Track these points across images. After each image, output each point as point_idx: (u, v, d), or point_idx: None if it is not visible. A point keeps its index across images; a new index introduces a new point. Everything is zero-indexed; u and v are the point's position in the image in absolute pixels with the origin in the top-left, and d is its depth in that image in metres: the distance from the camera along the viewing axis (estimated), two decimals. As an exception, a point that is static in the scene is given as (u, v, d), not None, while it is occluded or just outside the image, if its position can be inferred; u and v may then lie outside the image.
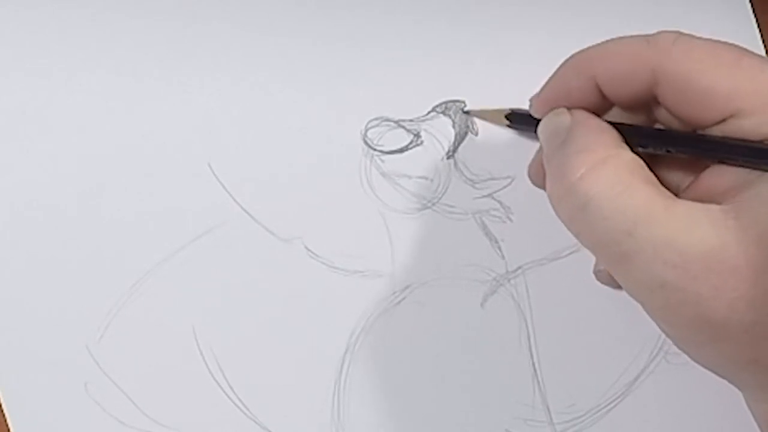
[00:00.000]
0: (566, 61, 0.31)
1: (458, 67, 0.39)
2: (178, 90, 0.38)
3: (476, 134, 0.38)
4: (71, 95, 0.38)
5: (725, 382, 0.30)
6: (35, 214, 0.37)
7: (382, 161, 0.38)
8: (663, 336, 0.36)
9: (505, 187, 0.38)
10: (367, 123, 0.38)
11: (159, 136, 0.38)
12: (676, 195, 0.28)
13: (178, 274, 0.37)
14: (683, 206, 0.26)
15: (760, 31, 0.45)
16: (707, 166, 0.29)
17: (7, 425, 0.35)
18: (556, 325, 0.38)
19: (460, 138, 0.38)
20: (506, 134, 0.38)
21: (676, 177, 0.31)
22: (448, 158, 0.38)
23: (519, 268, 0.38)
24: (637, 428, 0.38)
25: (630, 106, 0.31)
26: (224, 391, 0.36)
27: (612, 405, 0.38)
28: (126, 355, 0.36)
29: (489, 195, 0.38)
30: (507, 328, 0.38)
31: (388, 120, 0.38)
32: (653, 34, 0.29)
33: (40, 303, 0.36)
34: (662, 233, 0.26)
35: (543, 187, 0.34)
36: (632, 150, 0.29)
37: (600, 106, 0.31)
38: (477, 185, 0.38)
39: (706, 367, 0.29)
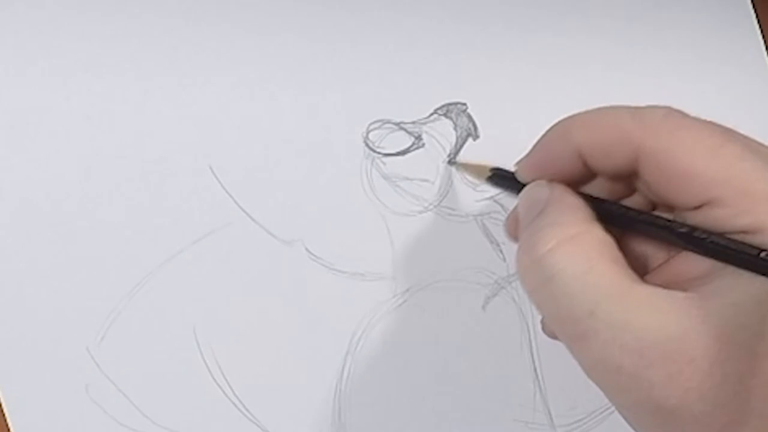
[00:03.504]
0: (552, 127, 0.31)
1: (460, 70, 0.39)
2: (179, 93, 0.38)
3: (478, 137, 0.38)
4: (71, 97, 0.37)
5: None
6: (36, 216, 0.36)
7: (384, 163, 0.38)
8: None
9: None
10: (369, 125, 0.38)
11: (160, 139, 0.38)
12: (646, 272, 0.29)
13: (179, 276, 0.37)
14: (647, 291, 0.26)
15: (761, 29, 0.45)
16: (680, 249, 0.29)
17: (8, 427, 0.35)
18: (557, 327, 0.38)
19: (461, 141, 0.38)
20: (508, 137, 0.38)
21: (648, 254, 0.31)
22: (450, 161, 0.38)
23: (520, 270, 0.38)
24: (638, 431, 0.38)
25: (612, 177, 0.30)
26: (225, 393, 0.36)
27: (612, 408, 0.38)
28: (127, 357, 0.36)
29: (490, 198, 0.38)
30: (508, 330, 0.38)
31: (389, 122, 0.38)
32: (642, 108, 0.29)
33: (41, 305, 0.36)
34: (622, 316, 0.26)
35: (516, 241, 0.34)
36: (606, 225, 0.29)
37: (583, 175, 0.30)
38: (478, 188, 0.38)
39: None
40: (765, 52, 0.44)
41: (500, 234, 0.38)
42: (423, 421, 0.37)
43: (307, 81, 0.38)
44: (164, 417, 0.36)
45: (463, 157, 0.38)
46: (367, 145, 0.38)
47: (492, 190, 0.38)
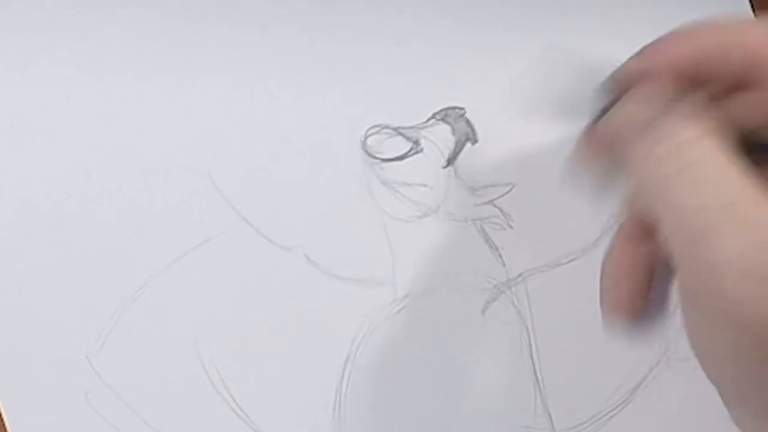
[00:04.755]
0: (672, 31, 0.31)
1: (457, 74, 0.39)
2: (177, 98, 0.38)
3: (476, 141, 0.38)
4: (70, 98, 0.37)
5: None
6: (34, 222, 0.36)
7: (382, 169, 0.38)
8: (666, 341, 0.36)
9: (505, 194, 0.38)
10: (367, 130, 0.38)
11: (158, 145, 0.37)
12: None
13: (178, 283, 0.37)
14: None
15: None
16: None
17: (7, 436, 0.35)
18: (558, 331, 0.38)
19: (460, 145, 0.38)
20: (506, 141, 0.38)
21: None
22: (448, 165, 0.38)
23: (520, 275, 0.38)
24: (639, 435, 0.38)
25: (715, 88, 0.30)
26: (225, 400, 0.36)
27: (614, 412, 0.38)
28: (127, 365, 0.36)
29: (489, 202, 0.38)
30: (508, 335, 0.38)
31: (387, 127, 0.38)
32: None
33: (40, 313, 0.36)
34: (762, 216, 0.25)
35: (590, 155, 0.33)
36: None
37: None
38: (477, 192, 0.38)
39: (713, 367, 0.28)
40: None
41: (499, 238, 0.38)
42: (424, 427, 0.37)
43: (305, 86, 0.38)
44: (164, 424, 0.36)
45: (463, 161, 0.38)
46: (365, 150, 0.38)
47: (491, 195, 0.38)
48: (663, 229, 0.27)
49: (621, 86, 0.31)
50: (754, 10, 0.45)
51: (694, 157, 0.26)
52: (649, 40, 0.40)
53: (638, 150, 0.28)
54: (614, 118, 0.31)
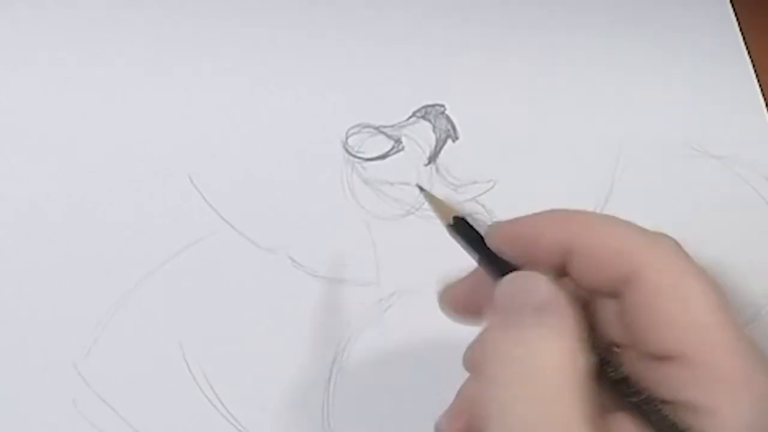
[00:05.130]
0: (549, 212, 0.29)
1: (438, 72, 0.39)
2: (158, 102, 0.38)
3: (457, 138, 0.38)
4: (53, 107, 0.38)
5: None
6: (19, 230, 0.36)
7: (364, 168, 0.38)
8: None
9: (487, 190, 0.38)
10: (348, 130, 0.38)
11: (139, 150, 0.38)
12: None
13: (163, 288, 0.37)
14: None
15: (741, 31, 0.45)
16: None
17: (-5, 444, 0.35)
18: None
19: (441, 143, 0.38)
20: (487, 138, 0.38)
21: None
22: (430, 163, 0.38)
23: (504, 271, 0.38)
24: None
25: (587, 288, 0.28)
26: (212, 404, 0.36)
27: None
28: (113, 371, 0.36)
29: (472, 199, 0.38)
30: (494, 331, 0.38)
31: (368, 126, 0.38)
32: (652, 233, 0.27)
33: (26, 321, 0.36)
34: None
35: (462, 315, 0.32)
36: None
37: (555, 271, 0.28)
38: (459, 189, 0.38)
39: None
40: (747, 55, 0.44)
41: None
42: (412, 425, 0.37)
43: (285, 87, 0.38)
44: (152, 429, 0.36)
45: (444, 159, 0.38)
46: (346, 150, 0.38)
47: (473, 191, 0.38)
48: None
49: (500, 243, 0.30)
50: (735, 12, 0.45)
51: (534, 370, 0.25)
52: (632, 40, 0.40)
53: (497, 335, 0.27)
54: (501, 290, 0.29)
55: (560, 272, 0.28)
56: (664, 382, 0.26)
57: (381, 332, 0.37)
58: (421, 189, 0.35)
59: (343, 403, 0.37)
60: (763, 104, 0.43)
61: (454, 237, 0.31)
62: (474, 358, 0.28)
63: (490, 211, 0.38)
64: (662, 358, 0.26)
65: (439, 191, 0.38)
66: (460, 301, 0.31)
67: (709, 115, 0.43)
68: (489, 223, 0.30)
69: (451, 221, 0.31)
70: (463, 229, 0.31)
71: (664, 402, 0.26)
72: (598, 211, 0.39)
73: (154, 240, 0.37)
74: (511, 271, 0.28)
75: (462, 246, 0.31)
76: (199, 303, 0.37)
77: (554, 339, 0.26)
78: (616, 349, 0.28)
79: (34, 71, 0.38)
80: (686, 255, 0.27)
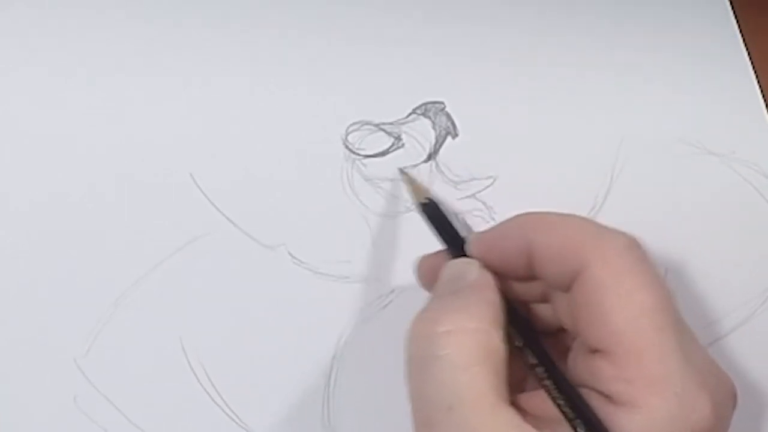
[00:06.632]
0: (514, 217, 0.31)
1: (437, 68, 0.39)
2: (159, 100, 0.38)
3: (456, 135, 0.38)
4: (47, 106, 0.38)
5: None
6: (19, 228, 0.36)
7: (364, 165, 0.38)
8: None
9: (487, 187, 0.38)
10: (348, 127, 0.38)
11: (140, 148, 0.38)
12: (524, 390, 0.30)
13: (164, 285, 0.37)
14: (505, 416, 0.26)
15: (740, 31, 0.45)
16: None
17: (-4, 440, 0.35)
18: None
19: (440, 139, 0.38)
20: (487, 134, 0.38)
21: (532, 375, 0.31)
22: (430, 160, 0.38)
23: (504, 267, 0.38)
24: None
25: (553, 285, 0.30)
26: (213, 400, 0.36)
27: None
28: (114, 367, 0.36)
29: (471, 195, 0.38)
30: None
31: (368, 123, 0.38)
32: (607, 230, 0.29)
33: (27, 318, 0.36)
34: (472, 427, 0.26)
35: (425, 286, 0.34)
36: (513, 331, 0.29)
37: (524, 274, 0.30)
38: (459, 186, 0.38)
39: None
40: (746, 53, 0.45)
41: (483, 231, 0.38)
42: (411, 424, 0.37)
43: (285, 85, 0.38)
44: (154, 425, 0.36)
45: (444, 155, 0.38)
46: (346, 147, 0.38)
47: (473, 188, 0.38)
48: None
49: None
50: (735, 12, 0.45)
51: (438, 353, 0.27)
52: (627, 39, 0.40)
53: (419, 315, 0.29)
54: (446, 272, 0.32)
55: (531, 274, 0.30)
56: (595, 374, 0.27)
57: (381, 329, 0.37)
58: (401, 171, 0.36)
59: (343, 399, 0.37)
60: (763, 103, 0.43)
61: (422, 216, 0.34)
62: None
63: (490, 207, 0.38)
64: (594, 351, 0.27)
65: (439, 188, 0.38)
66: (427, 273, 0.33)
67: (709, 114, 0.43)
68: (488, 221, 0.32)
69: (423, 200, 0.34)
70: (431, 210, 0.34)
71: (584, 387, 0.27)
72: (597, 208, 0.40)
73: (154, 237, 0.37)
74: (462, 255, 0.31)
75: (428, 225, 0.34)
76: (200, 300, 0.37)
77: (463, 320, 0.28)
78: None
79: (34, 71, 0.39)
80: (638, 254, 0.28)
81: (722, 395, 0.28)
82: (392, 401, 0.37)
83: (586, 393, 0.27)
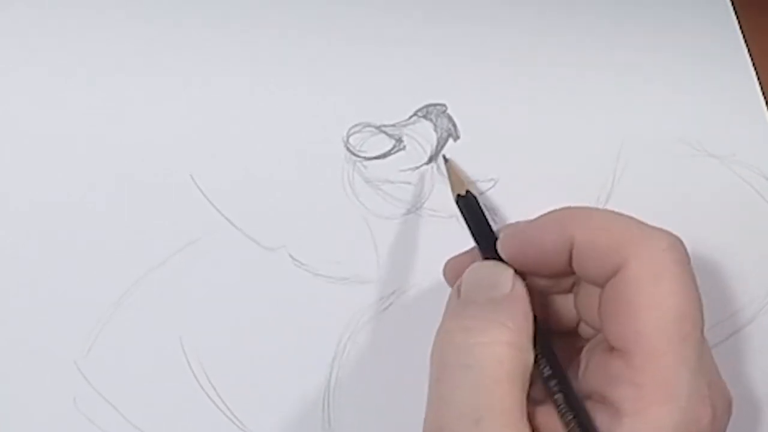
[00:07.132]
0: (550, 213, 0.30)
1: (438, 70, 0.39)
2: (157, 100, 0.38)
3: (458, 137, 0.38)
4: (51, 106, 0.38)
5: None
6: (18, 227, 0.36)
7: (365, 167, 0.38)
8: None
9: (488, 189, 0.38)
10: (349, 129, 0.38)
11: (139, 148, 0.38)
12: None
13: (164, 287, 0.37)
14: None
15: (741, 31, 0.45)
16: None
17: (-5, 442, 0.35)
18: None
19: (442, 142, 0.38)
20: (488, 136, 0.38)
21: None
22: (431, 162, 0.38)
23: (505, 269, 0.38)
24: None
25: (592, 281, 0.30)
26: (213, 402, 0.36)
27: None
28: (114, 369, 0.36)
29: (473, 197, 0.38)
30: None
31: (369, 125, 0.38)
32: (650, 228, 0.28)
33: (27, 319, 0.36)
34: None
35: (449, 281, 0.34)
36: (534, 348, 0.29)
37: (559, 271, 0.30)
38: (460, 188, 0.38)
39: None
40: (746, 51, 0.45)
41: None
42: (412, 424, 0.37)
43: (286, 86, 0.38)
44: (153, 427, 0.36)
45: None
46: (347, 149, 0.38)
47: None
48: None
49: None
50: (735, 12, 0.45)
51: (474, 362, 0.27)
52: (628, 40, 0.40)
53: (449, 318, 0.30)
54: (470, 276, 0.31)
55: (567, 269, 0.29)
56: (607, 373, 0.27)
57: (381, 331, 0.37)
58: (446, 159, 0.36)
59: (343, 401, 0.37)
60: (763, 104, 0.43)
61: (458, 208, 0.34)
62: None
63: (492, 209, 0.38)
64: (612, 350, 0.27)
65: (440, 190, 0.38)
66: (455, 272, 0.33)
67: (709, 115, 0.43)
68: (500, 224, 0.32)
69: (463, 193, 0.34)
70: (467, 204, 0.34)
71: (591, 392, 0.27)
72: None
73: (155, 239, 0.37)
74: (491, 257, 0.31)
75: (463, 219, 0.33)
76: (200, 301, 0.37)
77: (500, 333, 0.27)
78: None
79: (34, 71, 0.38)
80: (679, 255, 0.27)
81: (722, 409, 0.27)
82: (392, 403, 0.37)
83: (591, 405, 0.27)
